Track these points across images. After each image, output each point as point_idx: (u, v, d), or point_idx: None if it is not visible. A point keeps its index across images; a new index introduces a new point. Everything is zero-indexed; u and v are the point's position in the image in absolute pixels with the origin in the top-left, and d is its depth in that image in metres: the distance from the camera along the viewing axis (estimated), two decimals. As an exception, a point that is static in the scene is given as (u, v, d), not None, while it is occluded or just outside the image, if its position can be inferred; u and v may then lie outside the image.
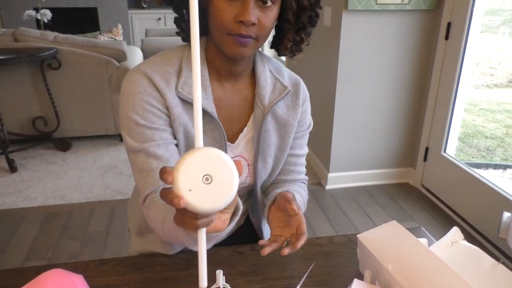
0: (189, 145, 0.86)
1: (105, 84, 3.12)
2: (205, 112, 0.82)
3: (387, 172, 2.78)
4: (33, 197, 2.53)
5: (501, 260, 0.77)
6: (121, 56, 3.17)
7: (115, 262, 0.86)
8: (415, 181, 2.76)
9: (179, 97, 0.82)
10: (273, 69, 0.92)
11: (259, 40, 0.79)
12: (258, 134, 0.89)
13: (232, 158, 0.85)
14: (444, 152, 2.52)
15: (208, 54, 0.86)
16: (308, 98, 0.98)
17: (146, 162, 0.82)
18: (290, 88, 0.89)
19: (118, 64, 3.12)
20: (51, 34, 3.14)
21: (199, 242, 0.50)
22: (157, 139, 0.81)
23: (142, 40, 4.05)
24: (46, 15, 3.94)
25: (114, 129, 3.28)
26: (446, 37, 2.37)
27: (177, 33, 0.86)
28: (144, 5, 5.95)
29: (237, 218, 0.64)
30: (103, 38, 4.18)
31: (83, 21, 5.61)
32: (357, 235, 0.80)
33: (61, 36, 3.15)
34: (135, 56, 3.64)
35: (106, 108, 3.19)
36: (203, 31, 0.84)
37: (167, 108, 0.82)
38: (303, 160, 1.02)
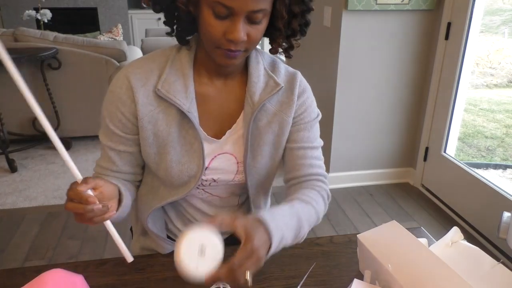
0: (159, 144, 0.86)
1: (105, 84, 3.12)
2: (181, 112, 0.83)
3: (387, 172, 2.78)
4: (33, 197, 2.54)
5: (501, 260, 0.77)
6: (121, 56, 3.17)
7: (115, 262, 0.86)
8: (415, 181, 2.76)
9: (158, 95, 0.82)
10: (268, 66, 0.91)
11: (248, 50, 0.79)
12: (248, 131, 0.88)
13: (219, 154, 0.90)
14: (444, 152, 2.52)
15: (198, 53, 0.86)
16: (308, 89, 0.94)
17: (101, 154, 0.91)
18: (282, 85, 0.88)
19: (118, 64, 3.12)
20: (51, 34, 3.14)
21: (109, 229, 0.75)
22: (112, 140, 0.87)
23: (142, 40, 4.05)
24: (46, 15, 3.95)
25: (114, 129, 3.28)
26: (446, 37, 2.37)
27: (168, 34, 0.86)
28: (144, 5, 5.94)
29: (122, 204, 0.82)
30: (103, 38, 4.18)
31: (83, 21, 5.61)
32: (357, 235, 0.80)
33: (61, 36, 3.15)
34: (135, 56, 3.64)
35: (106, 108, 3.19)
36: (195, 30, 0.84)
37: (135, 110, 0.83)
38: (315, 153, 0.94)
